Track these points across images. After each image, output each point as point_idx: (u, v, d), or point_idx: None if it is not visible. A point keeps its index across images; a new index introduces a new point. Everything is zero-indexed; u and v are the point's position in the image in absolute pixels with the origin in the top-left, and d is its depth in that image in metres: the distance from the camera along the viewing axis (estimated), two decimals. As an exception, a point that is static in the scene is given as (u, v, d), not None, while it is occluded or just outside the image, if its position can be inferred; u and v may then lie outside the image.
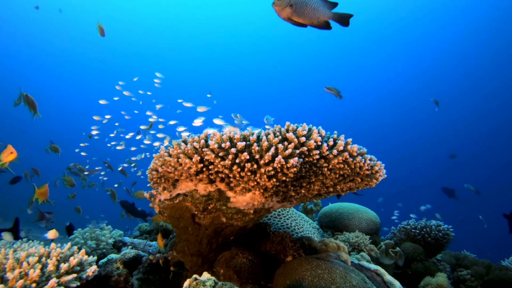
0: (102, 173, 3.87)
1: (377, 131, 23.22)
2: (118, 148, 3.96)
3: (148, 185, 1.30)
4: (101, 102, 3.72)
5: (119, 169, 3.81)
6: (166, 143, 3.23)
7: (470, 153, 19.07)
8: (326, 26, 0.99)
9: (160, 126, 3.42)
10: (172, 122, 3.15)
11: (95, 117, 3.67)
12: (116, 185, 3.80)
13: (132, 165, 3.72)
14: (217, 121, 1.93)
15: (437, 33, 17.96)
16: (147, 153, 3.80)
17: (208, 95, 3.77)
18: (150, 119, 3.34)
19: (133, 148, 3.84)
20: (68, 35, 18.45)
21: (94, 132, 3.67)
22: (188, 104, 3.16)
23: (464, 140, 20.01)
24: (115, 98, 3.79)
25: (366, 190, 1.22)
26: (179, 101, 3.26)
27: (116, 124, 4.31)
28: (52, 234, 1.37)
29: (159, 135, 3.31)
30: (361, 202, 2.52)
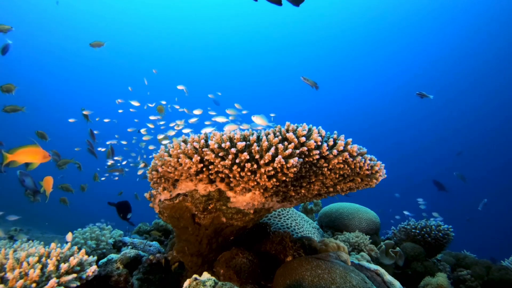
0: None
1: (378, 130, 23.19)
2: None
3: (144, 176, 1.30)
4: (118, 101, 3.60)
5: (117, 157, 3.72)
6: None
7: (475, 151, 19.02)
8: (277, 1, 1.04)
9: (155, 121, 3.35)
10: (173, 124, 3.13)
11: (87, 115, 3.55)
12: (98, 175, 3.71)
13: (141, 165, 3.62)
14: (219, 119, 1.90)
15: (440, 29, 17.80)
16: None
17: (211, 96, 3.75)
18: (159, 106, 3.27)
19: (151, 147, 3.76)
20: (68, 34, 18.43)
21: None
22: (183, 88, 3.15)
23: (468, 138, 19.97)
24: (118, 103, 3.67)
25: (374, 188, 1.21)
26: (180, 87, 3.24)
27: (115, 121, 4.24)
28: (69, 236, 1.43)
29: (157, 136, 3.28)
30: (368, 200, 2.49)
